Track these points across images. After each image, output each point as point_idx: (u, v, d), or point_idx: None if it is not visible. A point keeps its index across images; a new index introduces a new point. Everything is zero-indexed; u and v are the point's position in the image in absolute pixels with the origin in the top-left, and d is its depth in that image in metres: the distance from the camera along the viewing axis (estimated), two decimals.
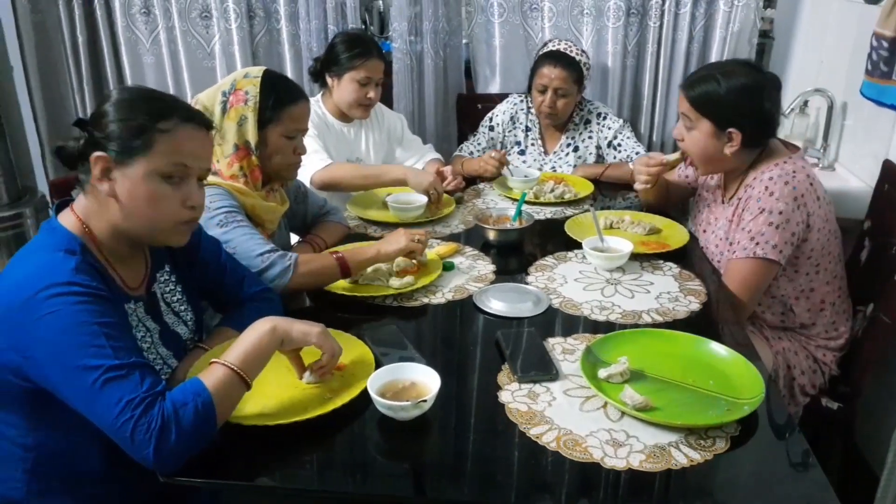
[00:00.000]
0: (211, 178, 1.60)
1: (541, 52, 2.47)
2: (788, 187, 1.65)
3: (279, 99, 1.62)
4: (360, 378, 1.25)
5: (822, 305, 1.79)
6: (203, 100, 1.64)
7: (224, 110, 1.61)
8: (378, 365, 1.28)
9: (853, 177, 2.36)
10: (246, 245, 1.52)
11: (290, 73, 2.77)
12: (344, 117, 2.36)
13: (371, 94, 2.27)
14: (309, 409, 1.17)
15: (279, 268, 1.51)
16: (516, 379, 1.29)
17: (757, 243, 1.66)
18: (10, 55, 2.77)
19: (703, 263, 1.83)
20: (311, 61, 2.40)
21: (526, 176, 2.31)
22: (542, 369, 1.30)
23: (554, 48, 2.43)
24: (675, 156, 1.96)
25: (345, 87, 2.26)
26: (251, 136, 1.61)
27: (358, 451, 1.16)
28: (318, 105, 2.34)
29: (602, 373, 1.28)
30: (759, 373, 1.27)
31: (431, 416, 1.18)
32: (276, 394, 1.24)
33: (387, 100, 2.68)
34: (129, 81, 2.85)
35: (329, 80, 2.29)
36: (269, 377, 1.28)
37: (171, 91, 2.85)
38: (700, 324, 1.51)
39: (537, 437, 1.14)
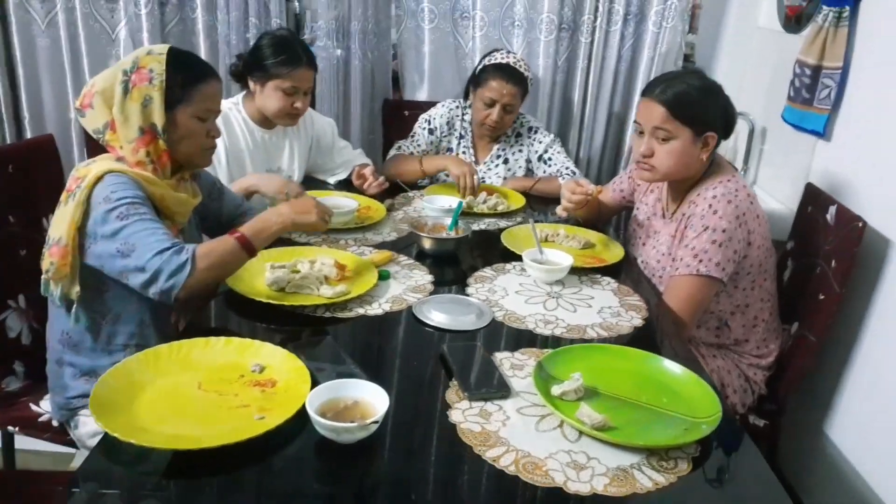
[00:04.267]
0: (115, 165, 1.44)
1: (488, 63, 2.37)
2: (731, 206, 1.65)
3: (189, 77, 1.47)
4: (295, 396, 1.12)
5: (755, 322, 1.81)
6: (100, 82, 1.45)
7: (126, 90, 1.43)
8: (315, 382, 1.15)
9: (772, 199, 2.44)
10: (144, 241, 1.36)
11: None
12: (265, 123, 2.18)
13: (298, 104, 2.10)
14: (239, 430, 1.03)
15: (174, 264, 1.34)
16: (466, 397, 1.19)
17: (700, 261, 1.65)
18: None
19: (640, 279, 1.81)
20: (232, 57, 2.22)
21: (450, 206, 2.08)
22: (493, 386, 1.22)
23: (503, 61, 2.35)
24: (597, 189, 1.94)
25: (269, 95, 2.08)
26: (157, 117, 1.44)
27: (295, 478, 1.02)
28: (237, 107, 2.16)
29: (556, 390, 1.20)
30: (713, 391, 1.24)
31: (376, 439, 1.07)
32: (201, 413, 1.10)
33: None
34: (19, 65, 2.57)
35: (252, 84, 2.11)
36: (194, 394, 1.14)
37: (69, 79, 2.59)
38: (644, 339, 1.48)
39: (494, 460, 1.04)
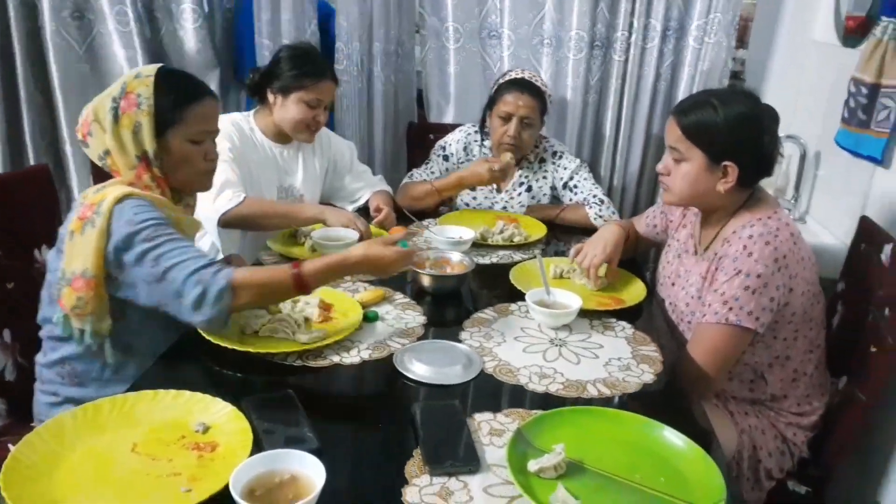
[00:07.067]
0: (131, 189, 1.37)
1: (503, 80, 2.26)
2: (769, 248, 1.45)
3: (179, 97, 1.40)
4: (231, 465, 0.99)
5: (796, 375, 1.59)
6: (94, 110, 1.39)
7: (116, 118, 1.37)
8: (258, 446, 1.03)
9: (826, 231, 2.19)
10: (178, 262, 1.29)
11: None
12: (279, 138, 2.11)
13: (319, 118, 2.05)
14: None
15: (214, 291, 1.27)
16: (427, 470, 1.05)
17: (730, 308, 1.45)
18: None
19: (660, 324, 1.62)
20: (248, 72, 2.16)
21: (460, 237, 1.97)
22: (459, 459, 1.07)
23: (518, 76, 2.24)
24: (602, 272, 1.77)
25: (290, 108, 2.01)
26: (148, 144, 1.37)
27: None
28: (247, 121, 2.09)
29: (532, 465, 1.04)
30: (720, 471, 1.05)
31: None
32: (127, 481, 0.99)
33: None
34: (58, 91, 2.57)
35: (271, 96, 2.04)
36: (125, 458, 1.04)
37: None
38: (652, 400, 1.30)
39: None
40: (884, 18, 1.83)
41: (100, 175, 2.14)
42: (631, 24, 2.43)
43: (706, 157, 1.51)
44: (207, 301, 1.26)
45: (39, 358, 1.52)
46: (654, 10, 2.40)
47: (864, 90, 1.89)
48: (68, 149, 2.61)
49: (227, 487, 0.94)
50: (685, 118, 1.52)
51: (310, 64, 2.02)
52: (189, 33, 2.48)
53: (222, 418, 1.12)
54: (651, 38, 2.44)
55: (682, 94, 2.50)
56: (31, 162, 2.63)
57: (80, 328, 1.37)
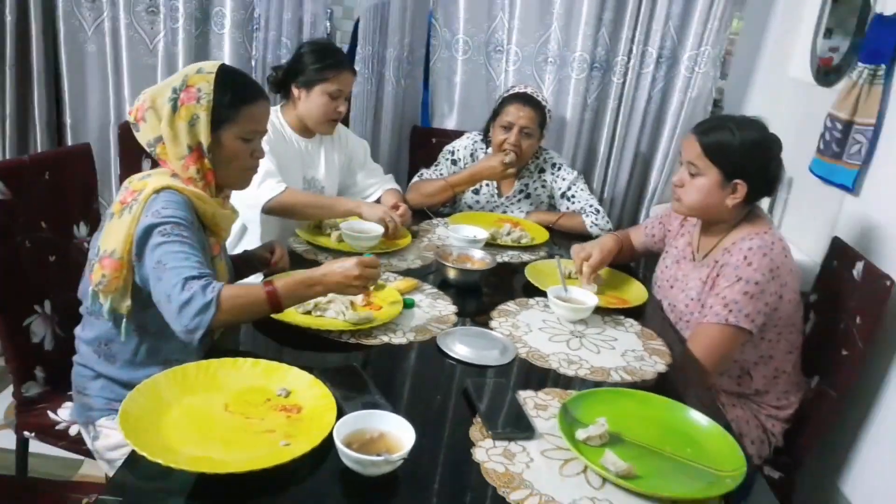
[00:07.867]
0: (172, 182, 1.43)
1: (506, 94, 2.43)
2: (766, 259, 1.66)
3: (236, 97, 1.45)
4: (320, 424, 1.11)
5: (777, 373, 1.80)
6: (151, 97, 1.45)
7: (174, 108, 1.42)
8: (339, 410, 1.15)
9: (796, 250, 2.41)
10: (176, 264, 1.31)
11: None
12: (304, 132, 2.24)
13: (341, 108, 2.18)
14: (265, 457, 1.03)
15: (199, 303, 1.28)
16: (490, 435, 1.19)
17: (730, 311, 1.65)
18: None
19: (664, 323, 1.80)
20: (270, 70, 2.27)
21: (475, 236, 2.12)
22: (517, 426, 1.21)
23: (521, 91, 2.41)
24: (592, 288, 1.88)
25: (314, 100, 2.15)
26: (203, 137, 1.43)
27: None
28: (276, 116, 2.20)
29: (580, 434, 1.20)
30: (738, 445, 1.23)
31: (400, 473, 1.06)
32: (227, 435, 1.10)
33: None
34: (64, 71, 2.61)
35: (295, 91, 2.17)
36: (220, 415, 1.14)
37: (111, 87, 2.64)
38: (667, 386, 1.47)
39: None
40: (860, 64, 2.07)
41: (128, 158, 2.22)
42: (630, 50, 2.63)
43: (721, 174, 1.70)
44: (190, 310, 1.28)
45: (78, 331, 1.57)
46: (651, 39, 2.61)
47: (839, 125, 2.13)
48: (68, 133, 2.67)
49: (319, 445, 1.06)
50: (706, 138, 1.71)
51: (330, 56, 2.15)
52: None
53: (302, 385, 1.23)
54: (647, 65, 2.65)
55: (670, 117, 2.71)
56: (38, 144, 2.67)
57: (102, 304, 1.43)
